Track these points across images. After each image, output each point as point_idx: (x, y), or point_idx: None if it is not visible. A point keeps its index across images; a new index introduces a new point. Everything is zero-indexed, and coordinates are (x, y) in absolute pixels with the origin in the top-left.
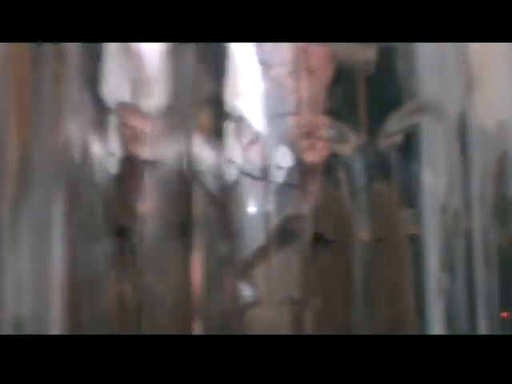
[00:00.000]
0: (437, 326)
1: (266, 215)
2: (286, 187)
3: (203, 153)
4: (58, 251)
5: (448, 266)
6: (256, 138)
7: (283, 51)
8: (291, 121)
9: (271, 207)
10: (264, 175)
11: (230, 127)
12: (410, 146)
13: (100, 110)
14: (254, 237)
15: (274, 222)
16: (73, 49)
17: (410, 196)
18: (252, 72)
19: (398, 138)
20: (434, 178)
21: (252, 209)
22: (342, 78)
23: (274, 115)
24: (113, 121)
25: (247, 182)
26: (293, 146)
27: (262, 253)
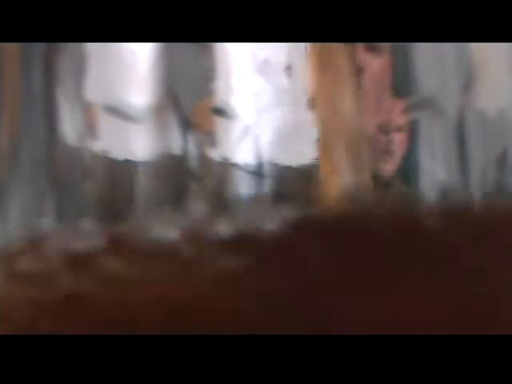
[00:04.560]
0: None
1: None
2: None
3: (198, 150)
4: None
5: None
6: (248, 132)
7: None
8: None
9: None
10: (258, 170)
11: (223, 123)
12: (408, 142)
13: (92, 108)
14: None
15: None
16: (63, 48)
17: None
18: (246, 68)
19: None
20: (433, 176)
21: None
22: None
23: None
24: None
25: (242, 177)
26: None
27: None
